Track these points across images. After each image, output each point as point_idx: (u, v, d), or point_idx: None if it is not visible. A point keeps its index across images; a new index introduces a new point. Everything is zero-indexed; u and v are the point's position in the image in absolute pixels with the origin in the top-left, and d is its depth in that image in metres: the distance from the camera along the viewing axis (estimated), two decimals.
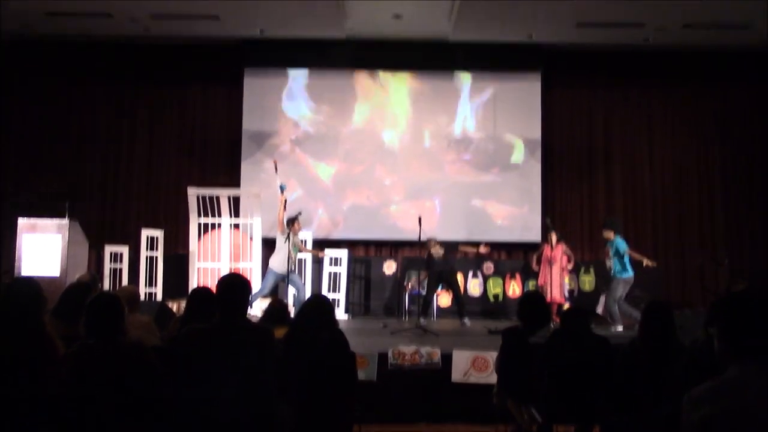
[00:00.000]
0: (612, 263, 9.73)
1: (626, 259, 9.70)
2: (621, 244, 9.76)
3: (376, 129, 12.74)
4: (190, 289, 9.91)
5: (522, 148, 12.66)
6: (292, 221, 9.93)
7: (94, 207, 12.49)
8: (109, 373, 3.39)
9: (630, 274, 9.71)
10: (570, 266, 10.78)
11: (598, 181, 12.90)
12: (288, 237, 9.61)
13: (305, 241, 11.10)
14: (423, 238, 10.04)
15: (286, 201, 9.83)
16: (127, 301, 4.98)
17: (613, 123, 12.98)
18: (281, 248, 9.79)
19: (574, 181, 12.89)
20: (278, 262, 9.77)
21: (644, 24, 11.31)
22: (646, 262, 9.70)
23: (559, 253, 10.60)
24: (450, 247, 10.51)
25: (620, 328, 9.55)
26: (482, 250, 10.48)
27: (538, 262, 11.11)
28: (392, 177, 12.67)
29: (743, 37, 11.78)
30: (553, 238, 10.65)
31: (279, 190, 9.97)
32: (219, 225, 10.96)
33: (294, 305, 9.45)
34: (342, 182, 12.63)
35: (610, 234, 9.90)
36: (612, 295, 9.62)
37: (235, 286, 3.71)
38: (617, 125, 12.97)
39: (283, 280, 9.85)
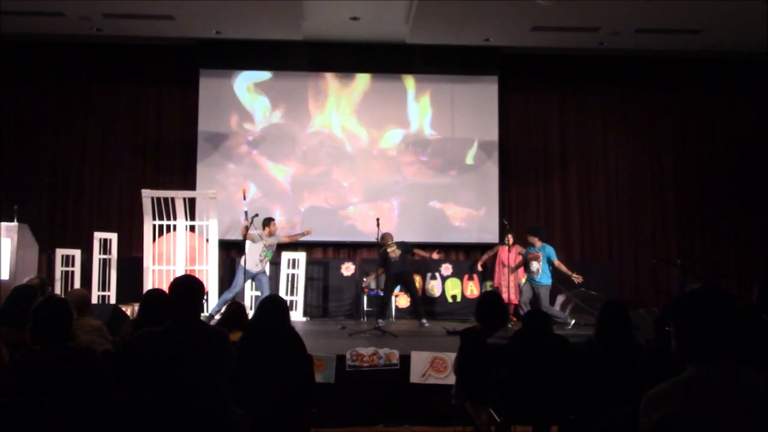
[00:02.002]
0: (541, 268, 9.87)
1: (549, 268, 9.96)
2: (553, 252, 9.96)
3: (333, 131, 12.67)
4: (144, 293, 9.86)
5: (479, 150, 12.71)
6: (268, 222, 10.10)
7: (45, 210, 12.19)
8: (57, 380, 3.28)
9: (551, 282, 9.99)
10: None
11: (554, 184, 13.01)
12: (260, 238, 9.74)
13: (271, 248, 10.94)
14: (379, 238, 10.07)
15: (247, 228, 9.73)
16: (76, 304, 4.85)
17: (569, 126, 13.10)
18: (252, 249, 9.79)
19: (530, 183, 12.98)
20: (249, 261, 9.83)
21: (599, 28, 11.42)
22: (575, 276, 9.84)
23: (514, 255, 10.68)
24: (405, 248, 10.51)
25: (571, 321, 9.93)
26: (434, 256, 10.62)
27: (488, 263, 11.24)
28: (350, 179, 12.62)
29: (695, 42, 11.98)
30: (509, 240, 10.73)
31: (243, 215, 9.97)
32: (174, 227, 10.81)
33: (253, 308, 9.38)
34: (299, 184, 12.54)
35: (535, 240, 10.08)
36: (544, 303, 9.83)
37: (188, 287, 3.62)
38: (573, 128, 13.10)
39: (253, 278, 9.87)
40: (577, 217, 12.91)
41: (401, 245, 10.52)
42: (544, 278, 9.91)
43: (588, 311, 10.16)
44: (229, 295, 9.63)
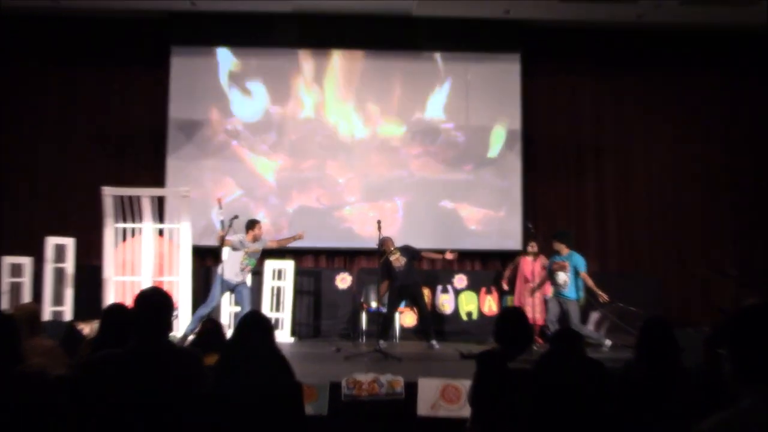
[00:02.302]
0: (568, 280, 9.85)
1: (579, 281, 9.94)
2: (581, 261, 9.94)
3: (327, 118, 12.69)
4: (104, 308, 9.84)
5: (499, 140, 12.71)
6: (253, 225, 10.01)
7: None
8: (3, 410, 3.27)
9: (581, 296, 10.00)
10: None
11: (588, 180, 13.02)
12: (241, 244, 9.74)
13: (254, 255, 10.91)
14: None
15: (223, 237, 9.70)
16: (25, 322, 4.85)
17: (604, 113, 13.11)
18: (232, 256, 9.79)
19: (559, 180, 12.99)
20: (228, 270, 9.79)
21: None
22: (600, 295, 9.85)
23: (539, 268, 10.66)
24: (411, 254, 10.49)
25: (608, 342, 9.87)
26: (448, 256, 10.50)
27: (512, 279, 11.20)
28: (347, 174, 12.64)
29: (750, 14, 11.95)
30: (534, 248, 10.70)
31: (219, 225, 9.92)
32: (140, 231, 10.81)
33: (232, 326, 9.37)
34: (287, 181, 12.55)
35: (561, 247, 10.05)
36: (574, 321, 9.80)
37: (154, 302, 3.61)
38: (609, 114, 13.11)
39: (233, 290, 9.85)
40: (613, 220, 12.90)
41: (405, 251, 10.50)
42: (573, 291, 9.89)
43: (627, 330, 10.13)
44: (204, 310, 9.61)
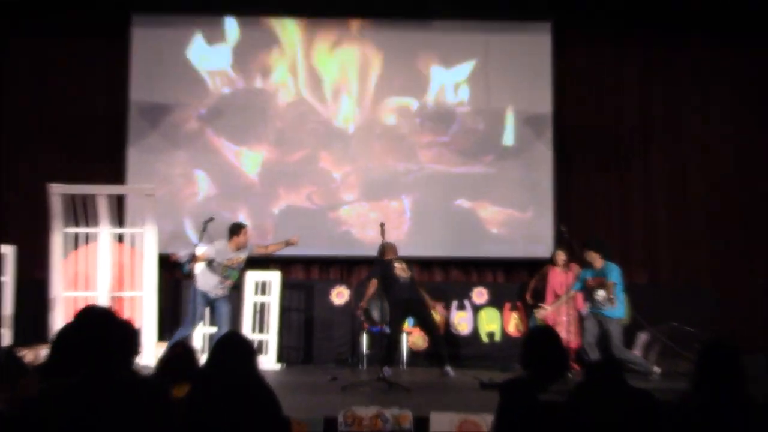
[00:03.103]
0: (614, 296, 9.83)
1: (621, 294, 9.93)
2: (616, 273, 9.90)
3: (320, 100, 12.69)
4: (52, 330, 9.82)
5: (525, 126, 12.69)
6: (237, 229, 9.96)
7: None
8: None
9: (625, 313, 9.99)
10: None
11: (633, 173, 12.99)
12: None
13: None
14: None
15: (194, 256, 9.67)
16: None
17: (654, 92, 13.09)
18: (208, 269, 9.83)
19: (599, 173, 12.97)
20: (204, 282, 9.78)
21: None
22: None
23: (572, 280, 10.64)
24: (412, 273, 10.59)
25: (657, 370, 9.85)
26: (439, 310, 10.69)
27: (537, 293, 11.15)
28: (343, 167, 12.64)
29: None
30: (562, 257, 10.65)
31: (192, 248, 9.86)
32: (95, 237, 10.81)
33: (206, 351, 9.35)
34: (272, 175, 12.56)
35: (596, 258, 9.99)
36: (615, 344, 9.77)
37: (109, 322, 3.60)
38: (659, 95, 13.08)
39: (211, 305, 9.88)
40: (664, 223, 12.86)
41: (408, 265, 10.57)
42: (616, 309, 9.86)
43: (681, 355, 10.11)
44: (187, 330, 9.60)
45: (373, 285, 10.47)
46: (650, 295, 11.56)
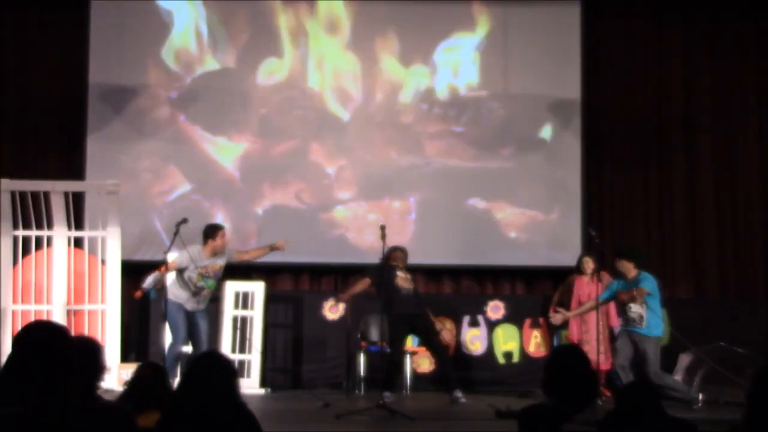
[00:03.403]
0: (644, 312, 9.83)
1: (658, 309, 9.90)
2: (651, 283, 9.91)
3: (310, 82, 12.69)
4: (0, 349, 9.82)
5: (550, 115, 12.71)
6: (212, 232, 9.94)
7: None
8: None
9: (663, 331, 9.96)
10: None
11: (675, 169, 12.99)
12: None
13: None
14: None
15: (166, 268, 9.70)
16: None
17: (699, 74, 13.08)
18: (181, 278, 9.83)
19: (635, 169, 12.97)
20: (179, 293, 9.81)
21: None
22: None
23: (601, 288, 10.66)
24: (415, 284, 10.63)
25: (701, 397, 9.79)
26: (445, 335, 10.71)
27: (561, 303, 11.13)
28: (338, 161, 12.64)
29: None
30: (590, 265, 10.64)
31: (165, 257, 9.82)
32: (49, 240, 10.81)
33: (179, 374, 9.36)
34: (255, 170, 12.56)
35: (629, 268, 9.97)
36: (653, 369, 9.75)
37: (64, 339, 3.60)
38: (705, 77, 13.07)
39: (188, 320, 9.86)
40: (712, 226, 12.83)
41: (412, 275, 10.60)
42: (653, 327, 9.86)
43: (731, 380, 10.12)
44: (177, 347, 9.65)
45: (363, 284, 10.48)
46: (695, 310, 11.54)
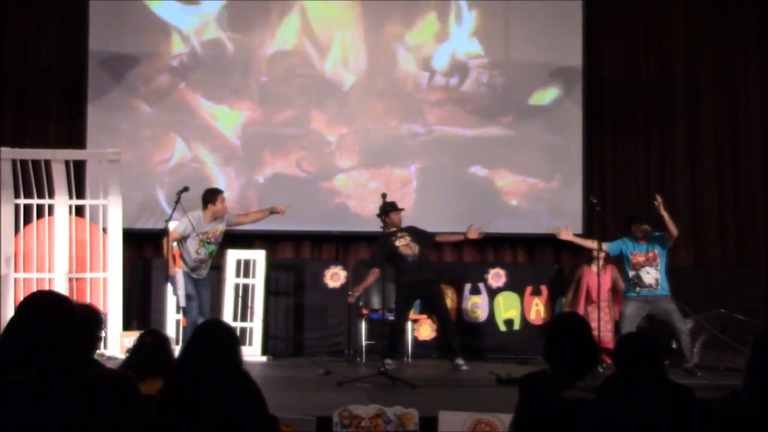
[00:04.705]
0: (659, 275, 9.89)
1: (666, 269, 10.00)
2: (662, 244, 10.01)
3: (311, 50, 12.67)
4: (1, 317, 9.85)
5: (552, 82, 12.70)
6: (212, 196, 9.91)
7: None
8: None
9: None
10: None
11: (677, 137, 12.99)
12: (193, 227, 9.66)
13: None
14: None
15: (174, 238, 9.68)
16: None
17: (701, 38, 13.06)
18: (182, 246, 9.82)
19: (637, 136, 12.98)
20: (183, 261, 9.79)
21: None
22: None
23: (608, 280, 10.69)
24: (422, 239, 10.57)
25: (691, 364, 9.84)
26: (471, 235, 10.54)
27: (575, 294, 11.13)
28: (339, 129, 12.65)
29: None
30: (601, 257, 10.54)
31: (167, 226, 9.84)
32: (50, 209, 10.84)
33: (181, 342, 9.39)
34: (256, 138, 12.57)
35: (646, 230, 10.01)
36: (681, 321, 9.82)
37: (66, 307, 3.61)
38: (707, 42, 13.06)
39: (192, 284, 9.85)
40: (713, 193, 12.84)
41: (414, 233, 10.54)
42: (667, 287, 9.93)
43: (732, 347, 10.13)
44: (192, 315, 9.58)
45: (374, 274, 10.42)
46: (695, 277, 11.56)
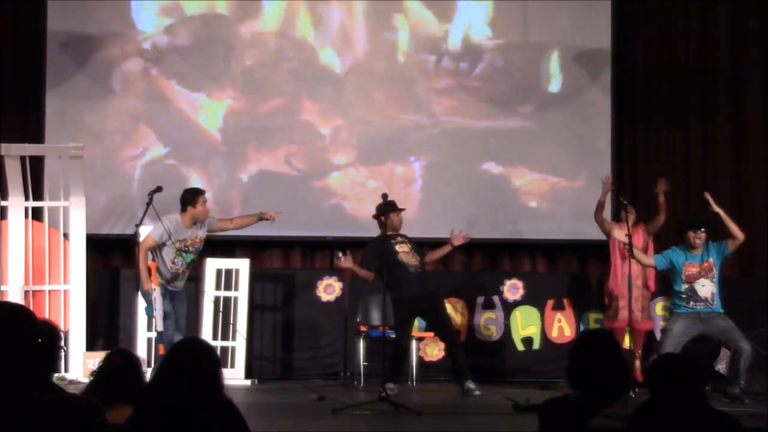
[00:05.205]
0: (715, 289, 9.87)
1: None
2: (723, 245, 9.99)
3: (301, 31, 12.67)
4: None
5: (576, 67, 12.68)
6: (192, 198, 9.82)
7: None
8: None
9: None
10: None
11: (720, 129, 12.98)
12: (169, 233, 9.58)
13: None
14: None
15: (148, 247, 9.64)
16: None
17: (746, 20, 13.04)
18: (157, 254, 9.77)
19: (673, 129, 12.97)
20: (159, 270, 9.72)
21: None
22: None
23: (640, 241, 10.66)
24: (420, 251, 10.68)
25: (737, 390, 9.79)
26: (456, 241, 10.59)
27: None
28: (334, 120, 12.65)
29: None
30: (631, 216, 10.53)
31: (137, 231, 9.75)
32: (3, 212, 10.81)
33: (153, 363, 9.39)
34: (239, 131, 12.58)
35: (702, 236, 9.98)
36: (742, 338, 9.73)
37: (23, 320, 3.58)
38: (754, 24, 13.02)
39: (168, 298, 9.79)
40: (763, 194, 12.79)
41: (411, 241, 10.64)
42: (721, 304, 9.92)
43: None
44: (169, 330, 9.48)
45: (367, 275, 10.49)
46: (742, 290, 11.51)
